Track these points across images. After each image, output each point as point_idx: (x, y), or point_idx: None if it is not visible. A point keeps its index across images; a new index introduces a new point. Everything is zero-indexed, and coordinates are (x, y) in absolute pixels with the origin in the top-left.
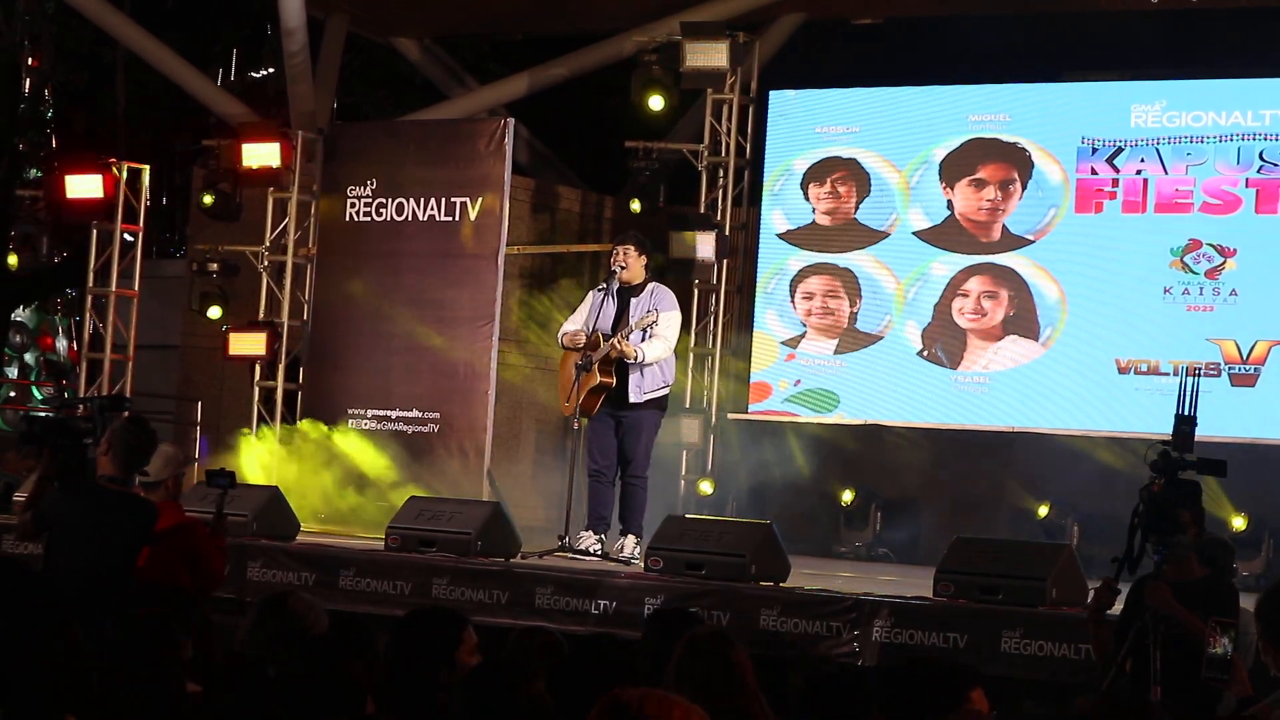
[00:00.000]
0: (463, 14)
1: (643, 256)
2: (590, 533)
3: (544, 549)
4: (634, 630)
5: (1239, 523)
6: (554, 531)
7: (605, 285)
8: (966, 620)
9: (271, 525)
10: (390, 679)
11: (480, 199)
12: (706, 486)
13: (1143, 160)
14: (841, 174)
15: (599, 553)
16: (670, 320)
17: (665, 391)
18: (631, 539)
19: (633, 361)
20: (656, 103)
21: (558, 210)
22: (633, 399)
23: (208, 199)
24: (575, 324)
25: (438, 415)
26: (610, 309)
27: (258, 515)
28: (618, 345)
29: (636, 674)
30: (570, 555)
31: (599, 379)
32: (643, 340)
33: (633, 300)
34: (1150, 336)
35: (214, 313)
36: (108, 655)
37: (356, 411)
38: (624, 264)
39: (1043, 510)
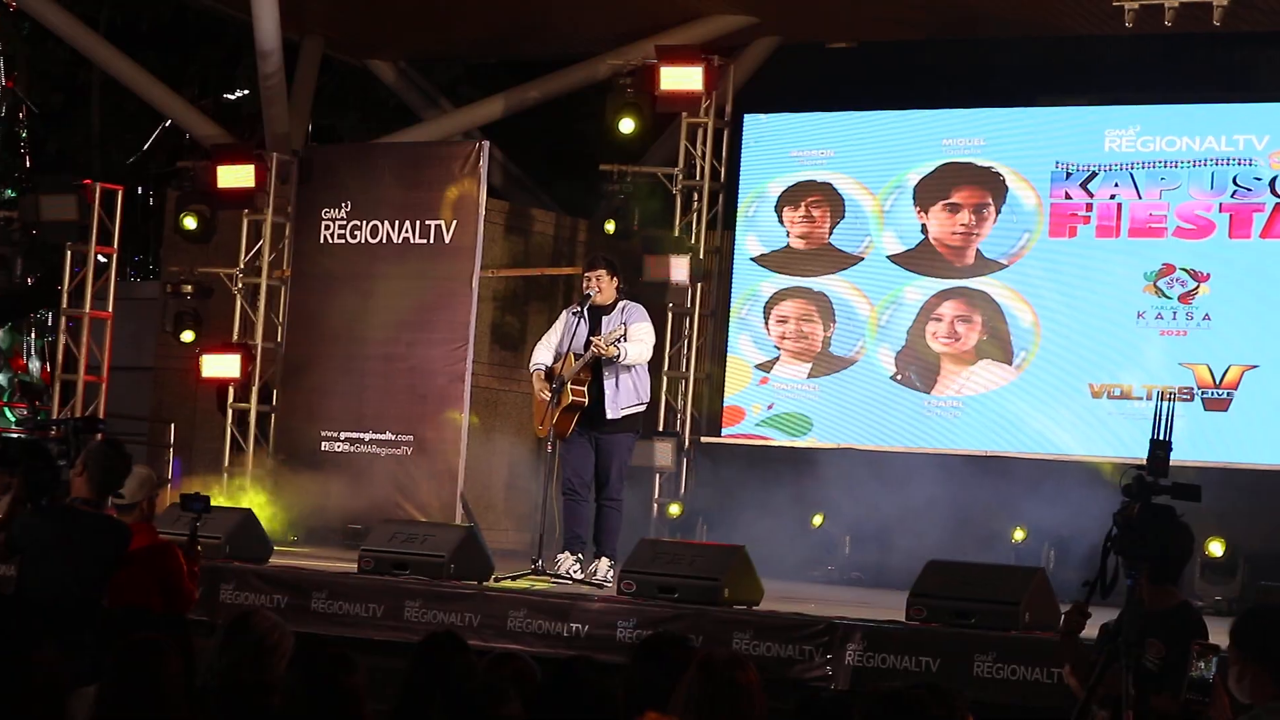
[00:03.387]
0: (437, 37)
1: (614, 279)
2: (568, 554)
3: (517, 572)
4: (608, 654)
5: (1216, 548)
6: (527, 554)
7: (579, 308)
8: (939, 644)
9: (244, 548)
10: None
11: (454, 222)
12: (676, 509)
13: (1116, 185)
14: (816, 198)
15: (578, 574)
16: (643, 328)
17: (641, 409)
18: (605, 561)
19: (615, 359)
20: (628, 125)
21: (532, 233)
22: (609, 415)
23: (189, 222)
24: (546, 348)
25: (411, 438)
26: (583, 330)
27: (230, 537)
28: (599, 345)
29: (612, 698)
30: (551, 579)
31: (571, 398)
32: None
33: (604, 319)
34: (1124, 361)
35: (187, 336)
36: (108, 683)
37: (330, 434)
38: (597, 288)
39: (1017, 534)
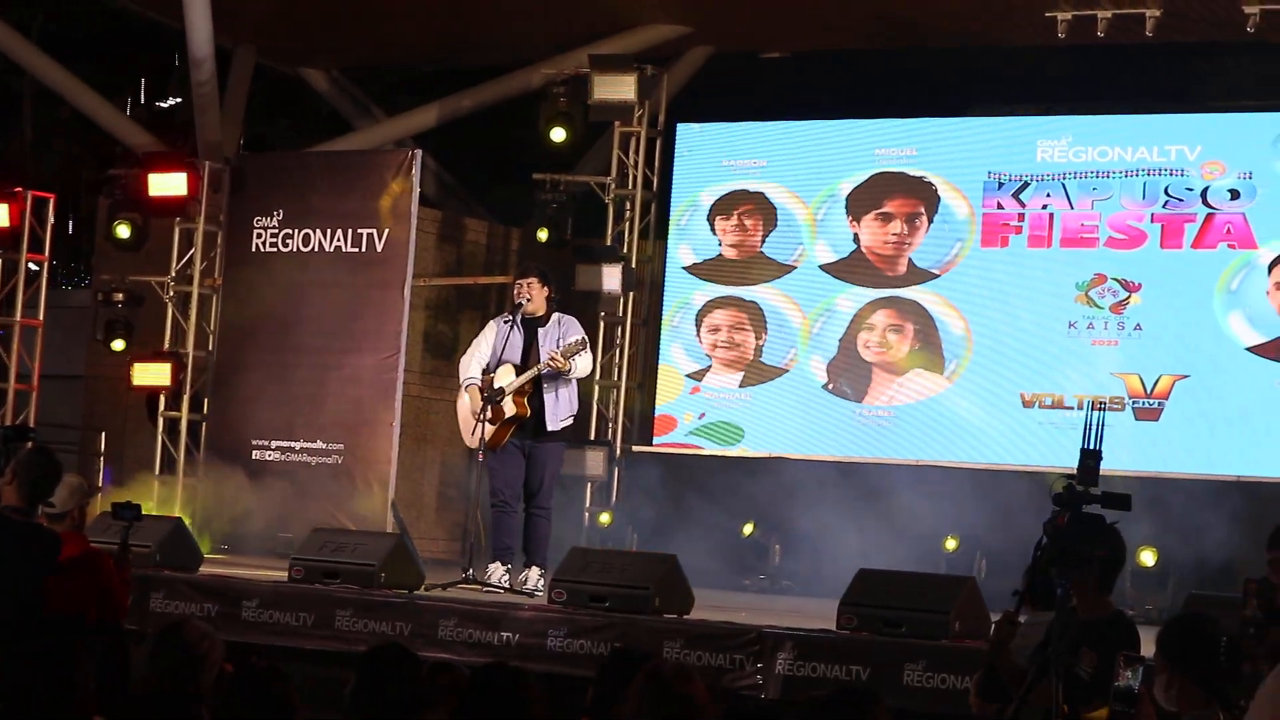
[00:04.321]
0: (370, 45)
1: (545, 288)
2: (498, 564)
3: (448, 581)
4: (538, 662)
5: (1147, 557)
6: (457, 563)
7: (510, 317)
8: (869, 652)
9: (175, 556)
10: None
11: (387, 230)
12: (605, 518)
13: (1048, 195)
14: (748, 207)
15: (508, 584)
16: (588, 346)
17: (572, 421)
18: (535, 570)
19: (565, 373)
20: (559, 135)
21: (464, 242)
22: (550, 426)
23: (122, 231)
24: (477, 361)
25: (342, 446)
26: (517, 340)
27: (161, 546)
28: (557, 358)
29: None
30: (481, 587)
31: (514, 410)
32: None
33: (540, 330)
34: (1055, 370)
35: (118, 345)
36: (11, 691)
37: (260, 443)
38: (528, 296)
39: (949, 544)
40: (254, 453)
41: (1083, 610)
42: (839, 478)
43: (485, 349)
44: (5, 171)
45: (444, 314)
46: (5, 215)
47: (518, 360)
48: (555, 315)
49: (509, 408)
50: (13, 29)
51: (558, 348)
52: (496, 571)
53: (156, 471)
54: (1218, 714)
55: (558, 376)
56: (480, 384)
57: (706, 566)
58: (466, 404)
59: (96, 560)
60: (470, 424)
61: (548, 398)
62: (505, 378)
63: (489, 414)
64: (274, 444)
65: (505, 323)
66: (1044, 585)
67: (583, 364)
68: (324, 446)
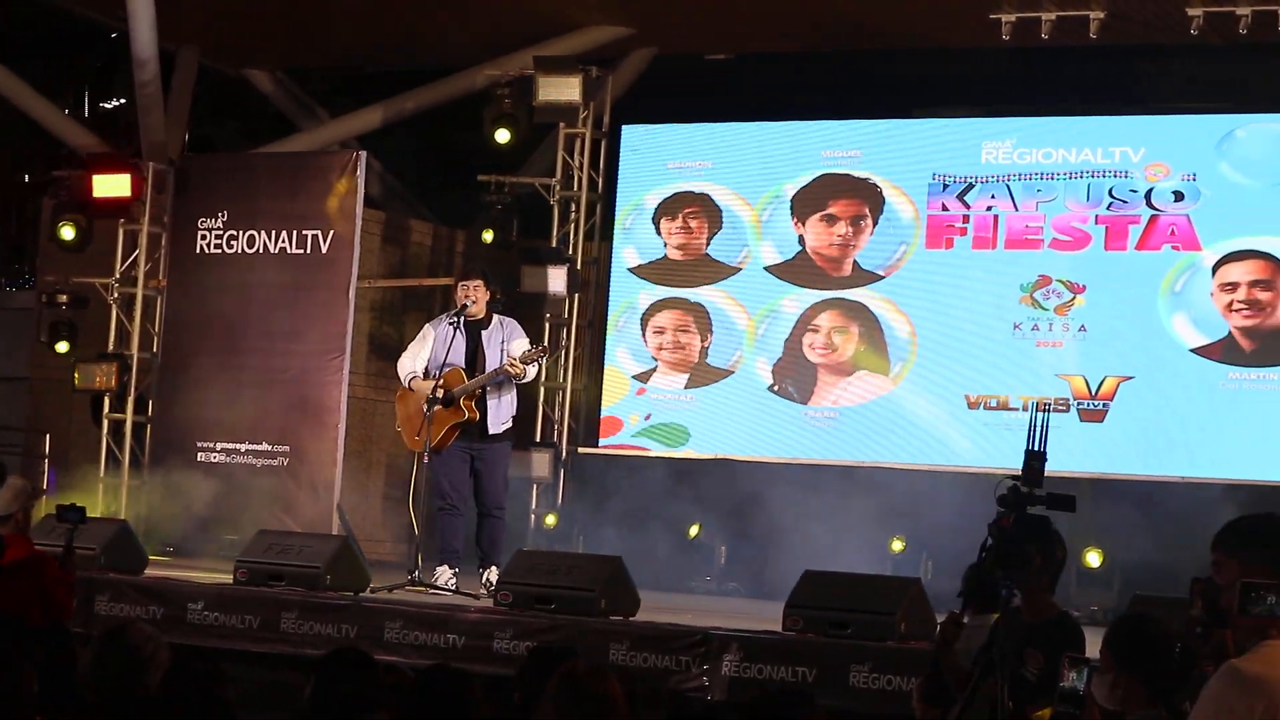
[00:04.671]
0: (315, 47)
1: (488, 290)
2: (445, 567)
3: (393, 583)
4: (485, 664)
5: (1093, 558)
6: (404, 565)
7: (455, 319)
8: (815, 654)
9: (119, 559)
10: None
11: (331, 232)
12: (551, 519)
13: (993, 197)
14: (693, 209)
15: (454, 587)
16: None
17: (511, 424)
18: (495, 569)
19: (519, 379)
20: (503, 136)
21: (409, 243)
22: (492, 430)
23: (67, 232)
24: (418, 361)
25: (287, 448)
26: (460, 343)
27: (105, 549)
28: (517, 363)
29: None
30: (427, 590)
31: (464, 414)
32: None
33: (483, 333)
34: (1000, 372)
35: (62, 347)
36: None
37: (206, 444)
38: (473, 298)
39: (895, 545)
40: (199, 454)
41: (1028, 611)
42: (785, 479)
43: (426, 351)
44: None
45: (389, 316)
46: None
47: (463, 363)
48: (497, 318)
49: (458, 411)
50: None
51: (503, 351)
52: (444, 574)
53: (101, 474)
54: (1163, 714)
55: (504, 382)
56: (418, 383)
57: (652, 568)
58: (410, 404)
59: (41, 563)
60: (412, 424)
61: (491, 402)
62: (455, 381)
63: (432, 414)
64: (219, 446)
65: (449, 325)
66: (988, 587)
67: (533, 370)
68: (269, 448)
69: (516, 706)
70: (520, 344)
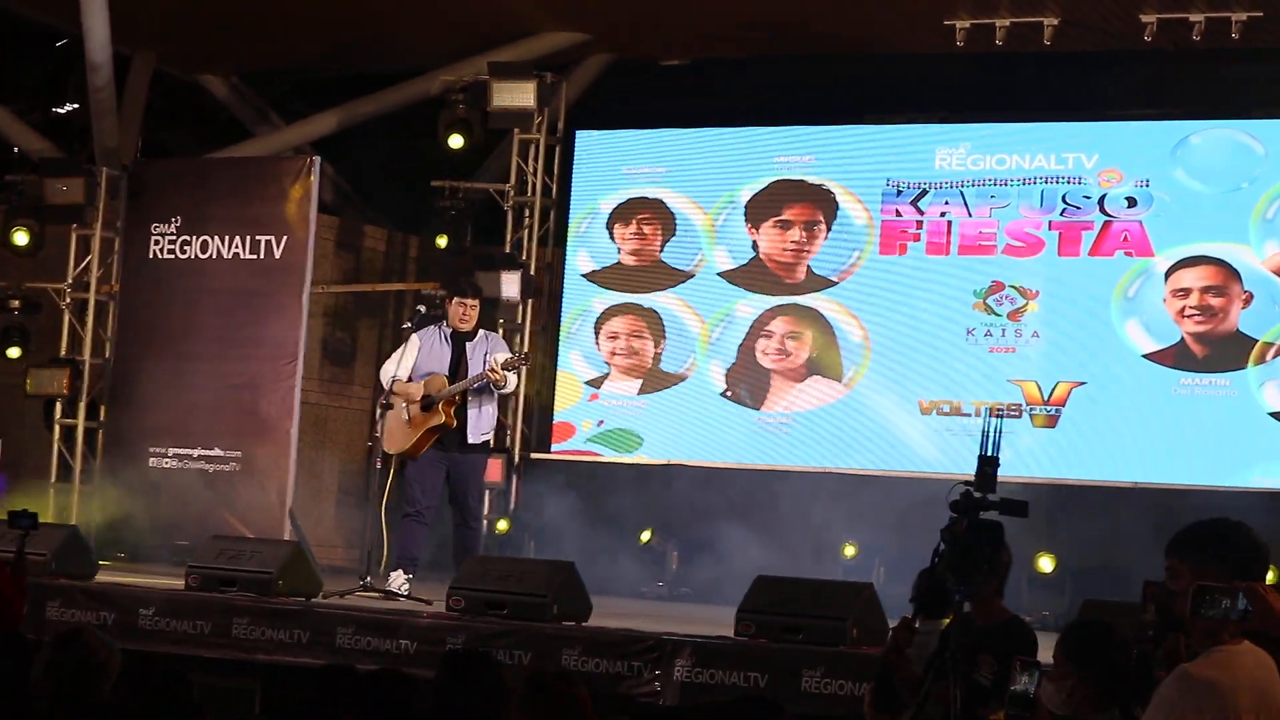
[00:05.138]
0: (269, 52)
1: (479, 306)
2: (400, 572)
3: (345, 588)
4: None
5: (1045, 564)
6: (355, 571)
7: (435, 327)
8: (767, 659)
9: (70, 564)
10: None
11: (285, 237)
12: (503, 525)
13: (947, 203)
14: (647, 214)
15: (408, 593)
16: None
17: (490, 436)
18: None
19: (500, 387)
20: (457, 142)
21: (363, 249)
22: (471, 439)
23: (20, 237)
24: (401, 368)
25: (239, 454)
26: (445, 352)
27: (56, 554)
28: (498, 369)
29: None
30: (379, 595)
31: (441, 419)
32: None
33: (468, 344)
34: (953, 377)
35: (14, 352)
36: None
37: (158, 449)
38: (469, 317)
39: (848, 550)
40: (151, 460)
41: (980, 616)
42: (737, 485)
43: (409, 360)
44: None
45: (342, 321)
46: None
47: (445, 371)
48: (483, 331)
49: (436, 417)
50: None
51: (486, 361)
52: (398, 579)
53: (53, 479)
54: (1117, 718)
55: (485, 389)
56: (401, 386)
57: (605, 574)
58: (392, 411)
59: None
60: (393, 430)
61: (471, 411)
62: (436, 387)
63: (410, 419)
64: (171, 451)
65: (435, 334)
66: (940, 592)
67: (514, 380)
68: (221, 454)
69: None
70: (504, 355)
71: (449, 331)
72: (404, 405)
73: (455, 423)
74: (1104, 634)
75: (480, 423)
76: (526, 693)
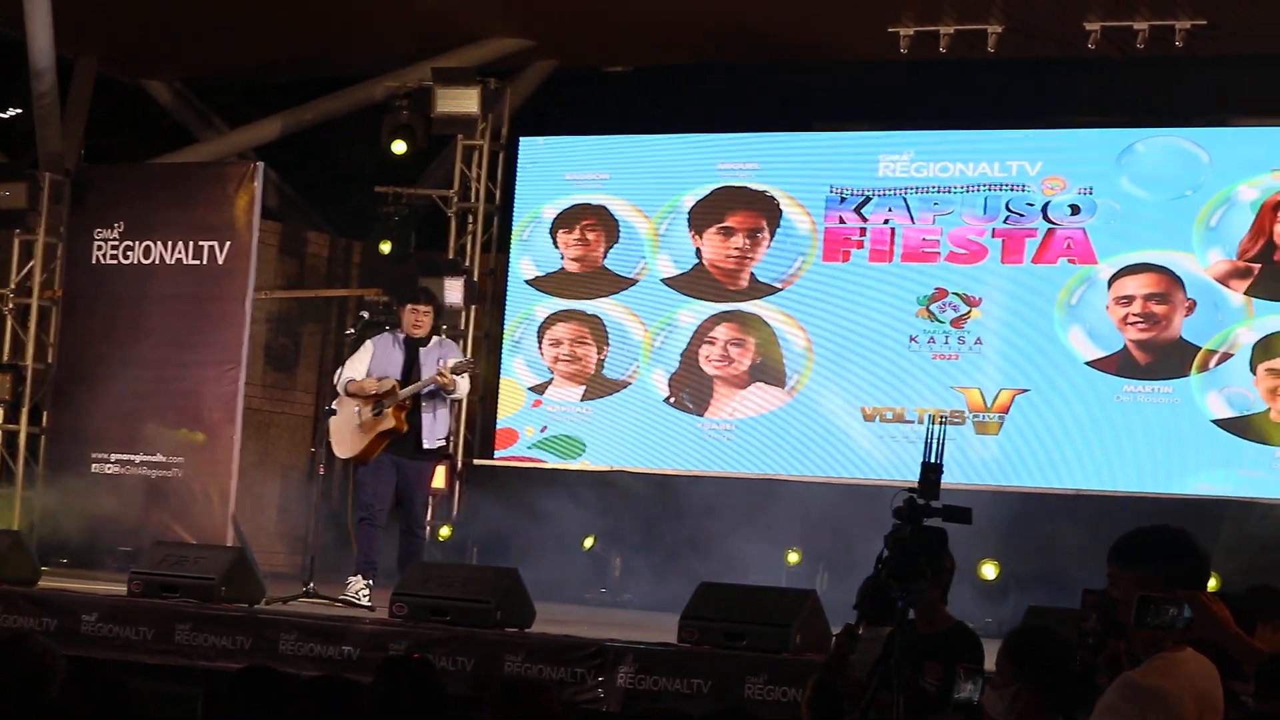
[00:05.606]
0: (213, 57)
1: (435, 316)
2: (359, 577)
3: (288, 594)
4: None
5: (989, 570)
6: (298, 576)
7: (395, 336)
8: (710, 666)
9: (12, 570)
10: None
11: (228, 243)
12: (446, 531)
13: (890, 210)
14: (590, 221)
15: (366, 599)
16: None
17: (445, 443)
18: None
19: (449, 391)
20: (400, 147)
21: (306, 255)
22: (426, 444)
23: None
24: (358, 371)
25: (182, 459)
26: (398, 357)
27: None
28: (447, 373)
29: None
30: (326, 601)
31: (392, 423)
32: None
33: (421, 350)
34: (896, 384)
35: None
36: None
37: (100, 455)
38: (422, 324)
39: (791, 557)
40: (94, 465)
41: (924, 623)
42: (680, 491)
43: (363, 365)
44: None
45: (285, 327)
46: None
47: (398, 375)
48: (437, 338)
49: (386, 420)
50: None
51: (447, 364)
52: (356, 584)
53: None
54: None
55: (438, 394)
56: (358, 386)
57: (548, 580)
58: (341, 415)
59: None
60: (340, 434)
61: (425, 416)
62: (392, 394)
63: (361, 423)
64: (114, 456)
65: (389, 339)
66: (884, 599)
67: (464, 385)
68: (164, 459)
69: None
70: (456, 360)
71: (403, 337)
72: (356, 409)
73: (406, 427)
74: (1048, 640)
75: (435, 428)
76: (500, 701)
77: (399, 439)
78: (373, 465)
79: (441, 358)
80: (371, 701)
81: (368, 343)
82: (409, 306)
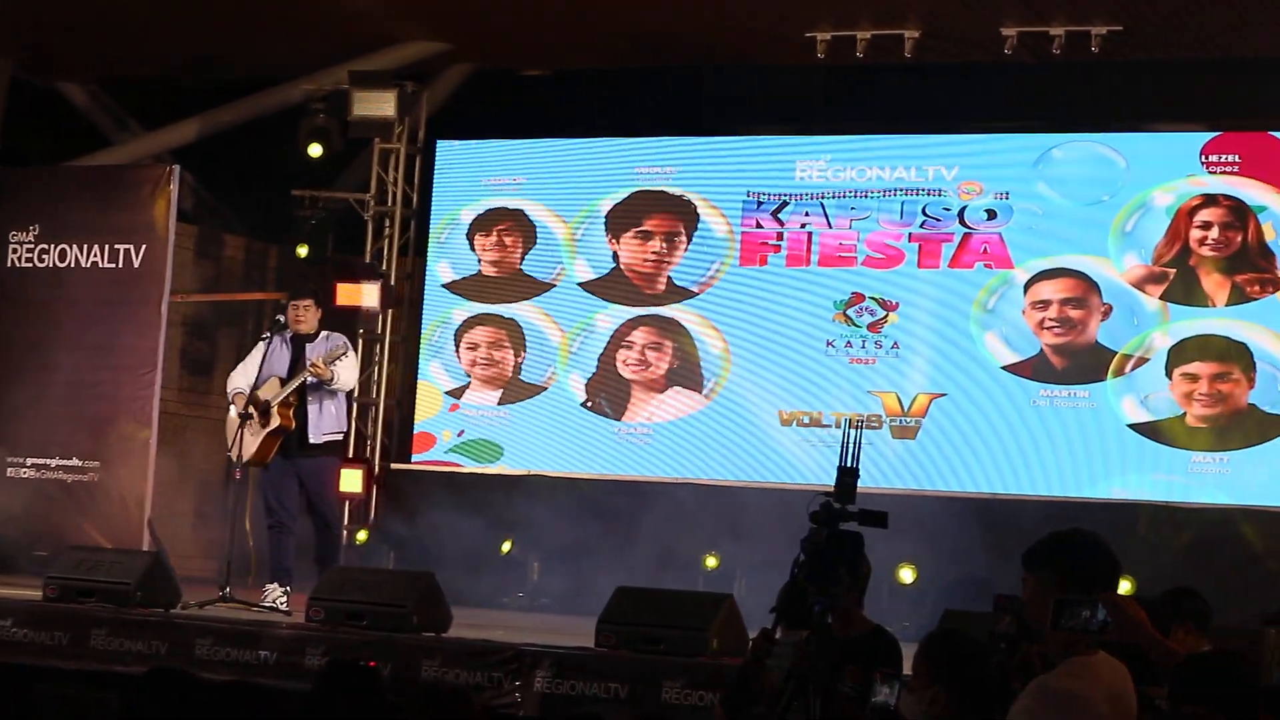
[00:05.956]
0: (130, 59)
1: (319, 310)
2: (276, 585)
3: (204, 599)
4: (296, 680)
5: (906, 575)
6: (215, 581)
7: (281, 334)
8: (628, 670)
9: None
10: None
11: (144, 246)
12: (363, 535)
13: (807, 214)
14: (507, 225)
15: (285, 606)
16: (351, 355)
17: (340, 436)
18: None
19: (327, 382)
20: (316, 151)
21: (222, 258)
22: (312, 439)
23: None
24: (246, 375)
25: (98, 464)
26: (285, 355)
27: None
28: (318, 364)
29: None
30: (242, 606)
31: (279, 422)
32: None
33: (308, 346)
34: (813, 389)
35: None
36: None
37: (15, 459)
38: (302, 318)
39: (709, 561)
40: (9, 469)
41: (841, 627)
42: (598, 495)
43: (251, 365)
44: None
45: (201, 331)
46: None
47: (284, 374)
48: (325, 332)
49: (273, 419)
50: None
51: (321, 355)
52: (273, 592)
53: None
54: None
55: (321, 387)
56: (240, 400)
57: (465, 584)
58: (233, 419)
59: None
60: (243, 438)
61: (311, 410)
62: (271, 391)
63: (253, 425)
64: (29, 461)
65: (276, 339)
66: (801, 603)
67: (346, 374)
68: (80, 464)
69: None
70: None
71: (290, 335)
72: (240, 405)
73: (293, 424)
74: (964, 643)
75: (321, 422)
76: (419, 706)
77: (289, 437)
78: (272, 471)
79: (326, 351)
80: (308, 708)
81: (259, 344)
82: (291, 301)
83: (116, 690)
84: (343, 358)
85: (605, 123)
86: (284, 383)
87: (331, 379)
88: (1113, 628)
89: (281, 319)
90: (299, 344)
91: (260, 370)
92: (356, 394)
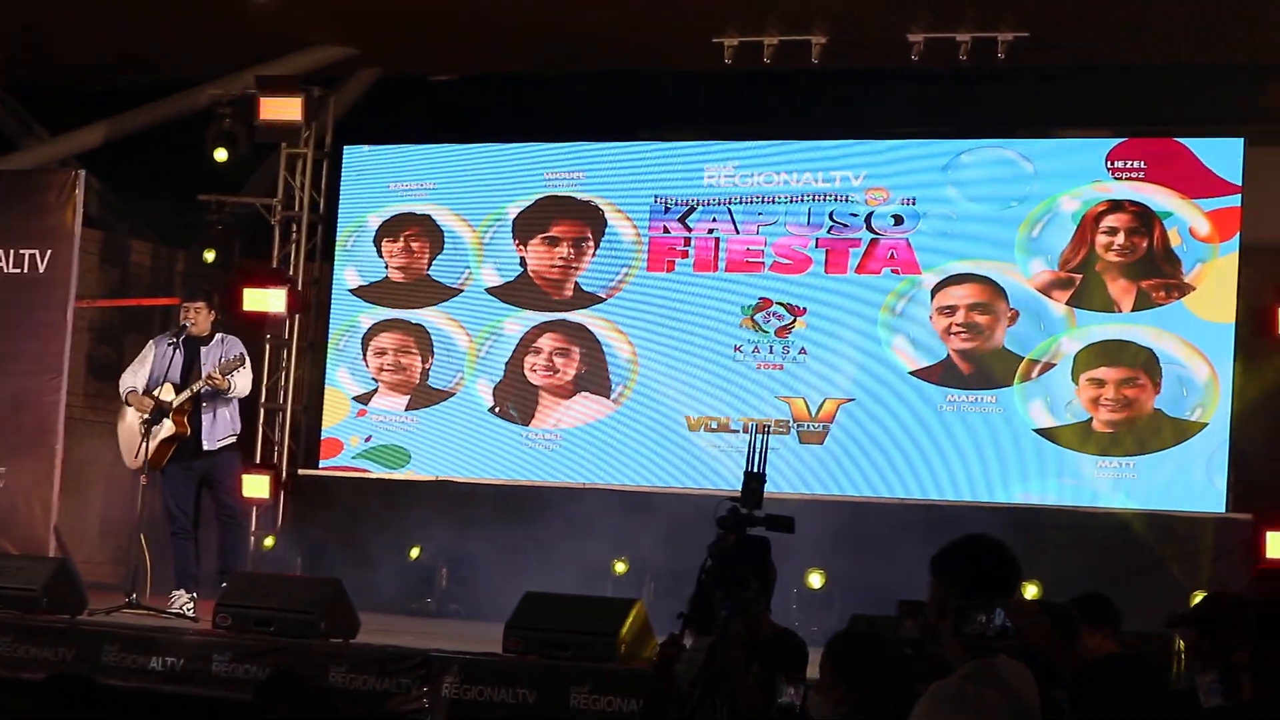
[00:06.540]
0: (35, 63)
1: (212, 312)
2: (182, 591)
3: (111, 605)
4: (203, 687)
5: (815, 579)
6: (122, 587)
7: (174, 337)
8: (536, 675)
9: None
10: None
11: (50, 251)
12: (270, 541)
13: (715, 220)
14: (414, 230)
15: (192, 612)
16: (249, 367)
17: (234, 439)
18: None
19: (224, 391)
20: (221, 155)
21: (129, 263)
22: (206, 446)
23: None
24: (138, 377)
25: (4, 469)
26: (179, 359)
27: None
28: (215, 375)
29: None
30: (147, 612)
31: (174, 429)
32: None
33: (203, 349)
34: (721, 394)
35: None
36: None
37: None
38: (193, 320)
39: (618, 567)
40: None
41: (749, 631)
42: (506, 501)
43: (145, 368)
44: None
45: (107, 336)
46: None
47: (178, 379)
48: (220, 335)
49: (168, 426)
50: None
51: (218, 366)
52: (180, 599)
53: None
54: None
55: (217, 395)
56: (136, 399)
57: (372, 590)
58: (127, 423)
59: None
60: (131, 443)
61: (205, 418)
62: (166, 396)
63: (149, 430)
64: None
65: (168, 343)
66: (708, 608)
67: (242, 382)
68: None
69: None
70: (225, 360)
71: (183, 337)
72: (138, 418)
73: (190, 430)
74: (871, 644)
75: (215, 429)
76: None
77: (183, 443)
78: (168, 477)
79: (223, 355)
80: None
81: (150, 344)
82: (183, 304)
83: (24, 698)
84: (239, 370)
85: (513, 128)
86: (178, 388)
87: (228, 390)
88: (1013, 633)
89: (188, 324)
90: (193, 346)
91: (151, 372)
92: (264, 400)
